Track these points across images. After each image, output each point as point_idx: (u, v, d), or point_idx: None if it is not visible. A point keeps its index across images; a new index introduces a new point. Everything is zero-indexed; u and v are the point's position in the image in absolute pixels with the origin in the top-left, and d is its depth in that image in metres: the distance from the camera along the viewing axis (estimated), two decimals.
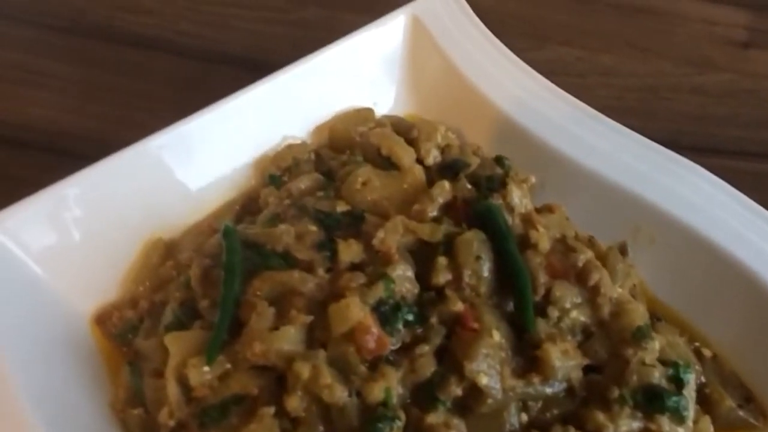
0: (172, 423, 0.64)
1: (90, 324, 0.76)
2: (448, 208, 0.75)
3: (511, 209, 0.74)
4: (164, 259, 0.79)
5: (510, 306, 0.69)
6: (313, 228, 0.74)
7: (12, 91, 1.08)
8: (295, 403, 0.61)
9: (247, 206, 0.84)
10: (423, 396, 0.64)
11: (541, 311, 0.68)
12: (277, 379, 0.65)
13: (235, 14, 1.18)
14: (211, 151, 0.84)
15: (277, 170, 0.84)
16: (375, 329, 0.63)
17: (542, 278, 0.69)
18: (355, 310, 0.63)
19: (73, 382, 0.71)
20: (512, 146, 0.85)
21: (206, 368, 0.64)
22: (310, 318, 0.65)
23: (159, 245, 0.80)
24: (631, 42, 1.13)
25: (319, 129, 0.91)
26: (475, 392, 0.63)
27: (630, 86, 1.08)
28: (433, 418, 0.62)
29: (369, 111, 0.91)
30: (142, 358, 0.72)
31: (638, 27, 1.15)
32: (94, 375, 0.73)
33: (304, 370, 0.61)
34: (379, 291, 0.66)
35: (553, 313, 0.68)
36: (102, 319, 0.76)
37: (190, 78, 1.10)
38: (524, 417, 0.65)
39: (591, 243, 0.76)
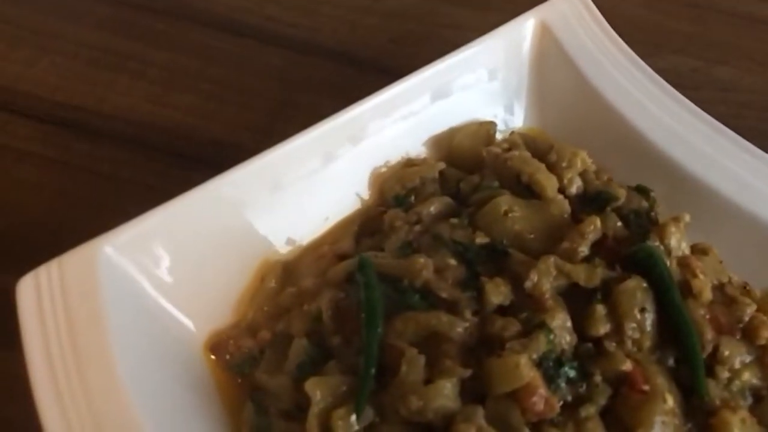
0: None
1: (203, 350, 0.71)
2: (597, 247, 0.70)
3: (668, 252, 0.69)
4: (282, 283, 0.73)
5: (670, 362, 0.64)
6: (453, 262, 0.68)
7: (89, 73, 1.00)
8: None
9: (365, 226, 0.78)
10: None
11: (709, 371, 0.63)
12: None
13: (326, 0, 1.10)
14: (325, 167, 0.77)
15: (402, 189, 0.78)
16: (543, 390, 0.58)
17: (709, 334, 0.64)
18: (526, 370, 0.57)
19: (191, 413, 0.65)
20: (650, 173, 0.79)
21: (353, 420, 0.60)
22: (468, 372, 0.60)
23: (276, 268, 0.73)
24: (751, 55, 1.06)
25: (436, 143, 0.84)
26: None
27: (750, 103, 1.01)
28: None
29: (492, 125, 0.84)
30: (266, 396, 0.67)
31: (760, 39, 1.08)
32: (210, 407, 0.67)
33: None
34: (541, 344, 0.61)
35: (723, 374, 0.63)
36: (217, 347, 0.70)
37: (280, 69, 1.02)
38: None
39: (746, 291, 0.71)
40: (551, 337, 0.61)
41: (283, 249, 0.76)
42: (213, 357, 0.70)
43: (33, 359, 0.61)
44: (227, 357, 0.70)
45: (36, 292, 0.63)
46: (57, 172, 0.90)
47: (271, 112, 0.98)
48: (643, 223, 0.72)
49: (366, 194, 0.81)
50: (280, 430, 0.64)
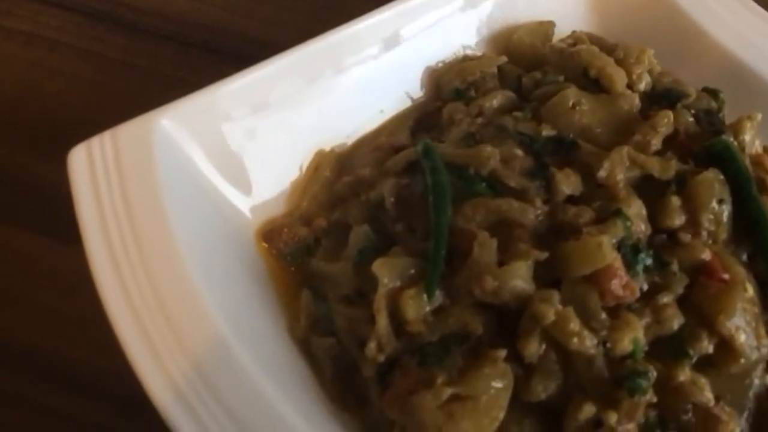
0: (381, 358, 0.57)
1: (256, 238, 0.68)
2: (668, 143, 0.67)
3: (742, 148, 0.67)
4: (337, 173, 0.71)
5: (744, 257, 0.63)
6: (519, 152, 0.66)
7: None
8: (533, 348, 0.55)
9: (421, 121, 0.75)
10: (664, 350, 0.57)
11: None
12: (499, 319, 0.58)
13: None
14: (380, 58, 0.74)
15: (462, 83, 0.74)
16: (623, 273, 0.56)
17: None
18: (608, 250, 0.55)
19: (247, 295, 0.63)
20: (717, 76, 0.76)
21: (425, 300, 0.57)
22: (544, 254, 0.57)
23: (330, 158, 0.71)
24: None
25: (494, 40, 0.81)
26: (724, 350, 0.57)
27: None
28: (682, 375, 0.56)
29: (551, 24, 0.81)
30: (324, 283, 0.64)
31: None
32: (265, 293, 0.65)
33: (548, 312, 0.54)
34: (618, 230, 0.58)
35: None
36: (270, 236, 0.67)
37: None
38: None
39: None
40: (628, 224, 0.59)
41: (337, 140, 0.73)
42: (265, 245, 0.68)
43: (87, 230, 0.58)
44: (281, 245, 0.68)
45: (88, 162, 0.60)
46: (91, 64, 0.86)
47: (310, 14, 0.95)
48: (714, 121, 0.70)
49: (416, 93, 0.78)
50: (342, 316, 0.61)
